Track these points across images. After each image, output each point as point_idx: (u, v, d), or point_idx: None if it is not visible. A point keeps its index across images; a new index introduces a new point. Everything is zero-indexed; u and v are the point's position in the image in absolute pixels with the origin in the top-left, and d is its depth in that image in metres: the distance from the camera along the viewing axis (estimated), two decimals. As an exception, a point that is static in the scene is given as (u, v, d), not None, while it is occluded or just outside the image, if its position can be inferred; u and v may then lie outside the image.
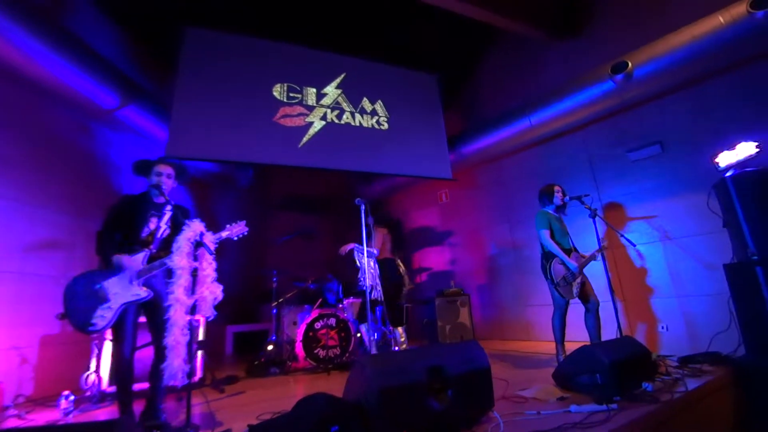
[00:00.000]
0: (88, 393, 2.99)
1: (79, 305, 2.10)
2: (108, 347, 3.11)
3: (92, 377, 3.03)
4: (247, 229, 2.44)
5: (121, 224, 2.31)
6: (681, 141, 3.90)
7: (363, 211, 3.13)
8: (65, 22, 3.82)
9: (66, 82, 3.47)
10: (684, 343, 3.62)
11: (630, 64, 3.81)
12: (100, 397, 2.98)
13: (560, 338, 3.26)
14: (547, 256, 3.33)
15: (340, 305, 4.55)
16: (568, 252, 3.28)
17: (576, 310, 3.31)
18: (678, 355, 3.08)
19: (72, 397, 2.71)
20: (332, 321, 4.21)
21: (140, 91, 4.17)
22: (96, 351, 3.10)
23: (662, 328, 3.86)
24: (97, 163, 4.17)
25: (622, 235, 3.39)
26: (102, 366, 3.07)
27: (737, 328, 2.99)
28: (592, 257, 3.21)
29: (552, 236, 3.34)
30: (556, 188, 3.47)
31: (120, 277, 2.19)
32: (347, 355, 4.15)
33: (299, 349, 4.01)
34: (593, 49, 4.57)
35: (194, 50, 4.39)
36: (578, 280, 3.19)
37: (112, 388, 3.00)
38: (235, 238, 2.41)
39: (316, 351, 4.03)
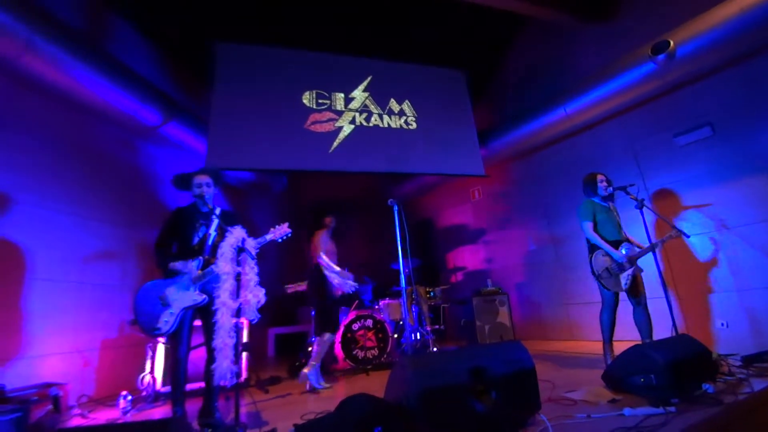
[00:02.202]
0: (144, 393, 3.18)
1: (146, 311, 2.31)
2: (161, 350, 3.30)
3: (147, 378, 3.22)
4: (290, 230, 2.51)
5: (175, 236, 2.49)
6: (734, 121, 3.61)
7: (396, 212, 3.12)
8: (108, 46, 4.09)
9: (112, 104, 3.71)
10: (747, 341, 3.34)
11: (672, 43, 3.58)
12: (155, 397, 3.17)
13: (608, 337, 3.09)
14: (592, 248, 3.18)
15: (376, 306, 4.57)
16: (617, 243, 3.10)
17: (625, 307, 3.13)
18: (741, 353, 2.84)
19: (129, 397, 2.89)
20: (369, 322, 4.23)
21: (180, 107, 4.39)
22: (150, 353, 3.29)
23: (722, 324, 3.58)
24: (143, 177, 4.44)
25: (674, 226, 3.18)
26: (156, 367, 3.25)
27: (811, 323, 2.72)
28: (652, 248, 3.00)
29: (595, 227, 3.19)
30: (600, 177, 3.28)
31: (179, 284, 2.36)
32: (385, 355, 4.16)
33: (338, 350, 4.07)
34: (629, 31, 4.32)
35: (227, 65, 4.57)
36: (628, 272, 3.01)
37: (166, 388, 3.17)
38: (279, 240, 2.48)
39: (354, 352, 4.07)
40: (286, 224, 2.51)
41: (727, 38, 3.36)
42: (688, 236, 3.00)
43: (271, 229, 2.49)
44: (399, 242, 3.13)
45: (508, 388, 1.79)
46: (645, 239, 3.06)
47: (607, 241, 3.11)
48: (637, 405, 1.95)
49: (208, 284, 2.37)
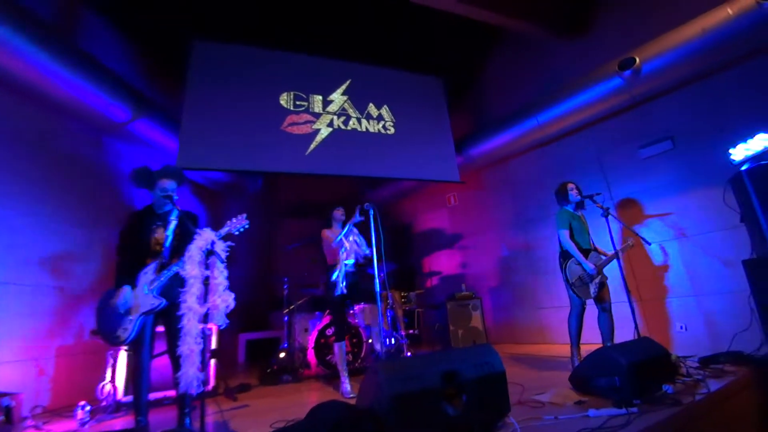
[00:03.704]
0: (104, 403, 3.01)
1: (106, 320, 2.25)
2: (123, 357, 3.15)
3: (107, 387, 3.06)
4: (247, 222, 2.45)
5: (132, 242, 2.40)
6: (693, 135, 3.83)
7: (372, 216, 3.12)
8: (78, 40, 3.91)
9: (79, 98, 3.54)
10: (704, 343, 3.53)
11: (637, 60, 3.77)
12: (116, 407, 3.01)
13: (576, 340, 3.19)
14: (565, 255, 3.27)
15: (351, 311, 4.53)
16: (587, 252, 3.22)
17: (591, 311, 3.24)
18: (698, 355, 2.99)
19: (88, 408, 2.74)
20: (343, 327, 4.19)
21: (151, 104, 4.24)
22: (111, 361, 3.13)
23: (681, 328, 3.76)
24: (108, 175, 4.24)
25: (636, 233, 3.33)
26: (117, 376, 3.09)
27: (759, 326, 2.90)
28: (615, 256, 3.13)
29: (571, 235, 3.29)
30: (570, 185, 3.41)
31: (136, 290, 2.27)
32: (359, 361, 4.13)
33: (311, 356, 4.00)
34: (600, 46, 4.52)
35: (202, 62, 4.46)
36: (597, 280, 3.13)
37: (127, 398, 3.02)
38: (236, 233, 2.42)
39: (328, 358, 4.02)
40: (244, 215, 2.46)
41: (689, 57, 3.57)
42: (650, 244, 3.14)
43: (228, 222, 2.44)
44: (374, 246, 3.12)
45: (479, 391, 1.80)
46: (610, 246, 3.20)
47: (580, 250, 3.22)
48: (602, 406, 2.01)
49: (168, 288, 2.29)
